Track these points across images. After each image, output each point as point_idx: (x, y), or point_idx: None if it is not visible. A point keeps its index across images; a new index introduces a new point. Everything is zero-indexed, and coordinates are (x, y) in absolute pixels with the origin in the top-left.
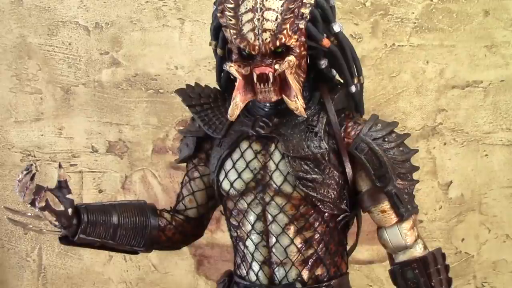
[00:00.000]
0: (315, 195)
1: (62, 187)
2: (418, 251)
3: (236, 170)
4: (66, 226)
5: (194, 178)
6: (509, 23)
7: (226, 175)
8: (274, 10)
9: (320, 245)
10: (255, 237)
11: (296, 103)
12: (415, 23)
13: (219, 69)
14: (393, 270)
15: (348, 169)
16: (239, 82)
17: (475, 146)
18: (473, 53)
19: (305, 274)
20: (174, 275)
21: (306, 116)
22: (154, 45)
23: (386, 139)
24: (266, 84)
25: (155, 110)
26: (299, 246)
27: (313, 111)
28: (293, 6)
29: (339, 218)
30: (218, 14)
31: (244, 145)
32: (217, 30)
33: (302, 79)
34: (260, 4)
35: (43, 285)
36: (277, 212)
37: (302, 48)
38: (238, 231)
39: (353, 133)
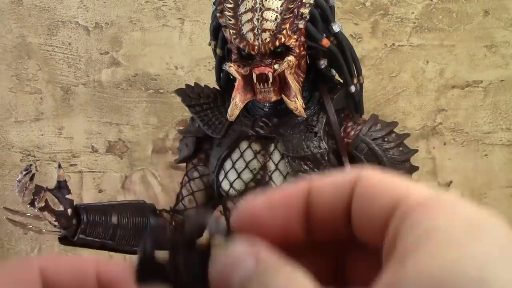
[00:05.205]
0: None
1: (61, 187)
2: None
3: (235, 170)
4: (66, 226)
5: (194, 178)
6: (509, 23)
7: (225, 175)
8: (273, 10)
9: None
10: None
11: (296, 103)
12: (415, 23)
13: (219, 69)
14: None
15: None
16: (239, 82)
17: (475, 146)
18: (473, 53)
19: None
20: None
21: (305, 116)
22: (154, 45)
23: (385, 139)
24: (265, 84)
25: (155, 110)
26: None
27: (312, 111)
28: (292, 6)
29: None
30: (218, 14)
31: (243, 145)
32: (216, 30)
33: (302, 79)
34: (260, 4)
35: None
36: None
37: (302, 48)
38: None
39: (352, 133)
